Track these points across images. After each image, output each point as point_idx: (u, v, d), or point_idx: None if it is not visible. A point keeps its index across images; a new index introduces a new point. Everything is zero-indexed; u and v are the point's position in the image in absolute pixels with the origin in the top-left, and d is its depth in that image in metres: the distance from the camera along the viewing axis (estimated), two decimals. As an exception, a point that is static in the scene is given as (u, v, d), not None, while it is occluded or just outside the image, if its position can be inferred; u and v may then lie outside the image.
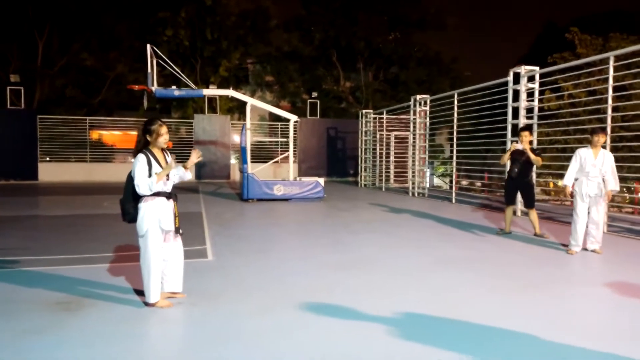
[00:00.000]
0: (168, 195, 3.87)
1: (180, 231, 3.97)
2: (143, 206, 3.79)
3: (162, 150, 3.92)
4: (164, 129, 3.84)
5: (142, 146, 3.83)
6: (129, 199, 3.84)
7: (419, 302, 4.10)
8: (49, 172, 19.02)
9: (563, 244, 6.58)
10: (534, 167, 7.49)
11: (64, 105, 22.85)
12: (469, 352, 3.09)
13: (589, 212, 6.12)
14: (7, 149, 18.11)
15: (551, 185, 17.32)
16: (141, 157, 3.77)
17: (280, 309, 3.92)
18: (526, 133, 7.20)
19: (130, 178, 3.83)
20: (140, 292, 4.25)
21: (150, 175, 3.73)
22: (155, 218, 3.79)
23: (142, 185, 3.72)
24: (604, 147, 6.24)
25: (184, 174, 3.96)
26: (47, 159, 19.70)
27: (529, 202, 7.29)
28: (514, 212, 8.79)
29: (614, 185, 6.03)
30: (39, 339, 3.22)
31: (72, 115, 20.52)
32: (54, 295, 4.12)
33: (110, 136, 23.29)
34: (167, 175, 3.84)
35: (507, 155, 7.29)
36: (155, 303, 3.87)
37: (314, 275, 5.01)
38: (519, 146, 7.11)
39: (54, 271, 4.96)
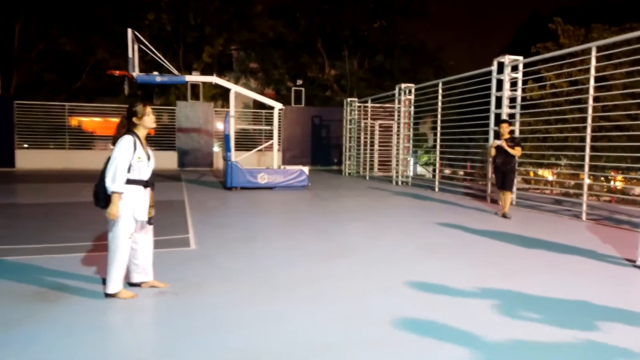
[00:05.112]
0: (145, 184, 3.74)
1: (152, 222, 3.84)
2: None
3: (146, 142, 3.80)
4: (148, 109, 3.74)
5: (127, 130, 3.67)
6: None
7: (404, 290, 4.13)
8: (27, 159, 18.57)
9: (628, 259, 5.21)
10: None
11: (43, 91, 22.27)
12: (455, 341, 3.12)
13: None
14: (-17, 135, 17.63)
15: (531, 174, 17.53)
16: (128, 137, 3.58)
17: (264, 298, 3.90)
18: (506, 125, 8.14)
19: (108, 162, 3.62)
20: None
21: (131, 160, 3.57)
22: (130, 207, 3.67)
23: (120, 175, 3.51)
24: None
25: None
26: (25, 145, 19.22)
27: (508, 185, 8.24)
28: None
29: None
30: (15, 331, 3.15)
31: (50, 101, 19.99)
32: (31, 286, 4.03)
33: (90, 123, 22.81)
34: (148, 162, 3.75)
35: (492, 151, 8.26)
36: (116, 293, 3.72)
37: (298, 264, 5.00)
38: (498, 142, 8.08)
39: (32, 261, 4.86)
